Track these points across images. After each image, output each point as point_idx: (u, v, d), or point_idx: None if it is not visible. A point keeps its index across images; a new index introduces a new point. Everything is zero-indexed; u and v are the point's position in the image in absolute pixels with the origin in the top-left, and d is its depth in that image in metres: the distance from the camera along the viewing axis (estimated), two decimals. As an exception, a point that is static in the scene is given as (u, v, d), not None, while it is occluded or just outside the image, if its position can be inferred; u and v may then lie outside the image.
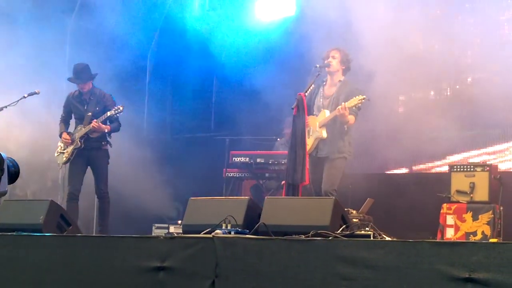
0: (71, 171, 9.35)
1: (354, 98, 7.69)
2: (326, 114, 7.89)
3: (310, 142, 7.83)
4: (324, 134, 7.86)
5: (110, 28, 11.36)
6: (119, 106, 9.24)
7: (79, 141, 9.23)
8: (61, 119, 9.56)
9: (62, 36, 11.64)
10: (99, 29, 11.60)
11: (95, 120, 9.15)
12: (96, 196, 9.50)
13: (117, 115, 9.26)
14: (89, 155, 9.31)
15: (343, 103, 7.67)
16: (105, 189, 9.36)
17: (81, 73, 9.30)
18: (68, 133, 9.37)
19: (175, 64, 12.26)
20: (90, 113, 9.27)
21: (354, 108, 7.75)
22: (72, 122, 9.59)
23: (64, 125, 9.52)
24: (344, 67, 8.04)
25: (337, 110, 7.68)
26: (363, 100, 7.67)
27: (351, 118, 7.78)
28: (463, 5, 9.76)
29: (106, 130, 9.24)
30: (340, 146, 7.86)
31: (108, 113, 9.20)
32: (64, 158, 9.32)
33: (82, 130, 9.25)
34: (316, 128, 7.87)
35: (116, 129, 9.40)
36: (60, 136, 9.42)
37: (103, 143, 9.34)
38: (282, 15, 11.19)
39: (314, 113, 8.00)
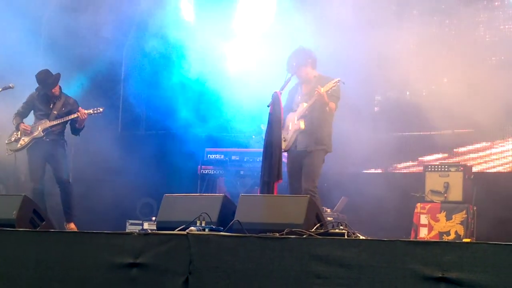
0: (32, 167, 9.28)
1: (329, 83, 7.63)
2: (304, 106, 7.80)
3: (289, 137, 7.78)
4: (302, 125, 7.71)
5: (87, 22, 11.28)
6: (99, 108, 9.32)
7: (42, 132, 9.21)
8: (16, 113, 9.47)
9: (37, 28, 11.54)
10: (75, 23, 11.50)
11: (80, 108, 9.20)
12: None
13: (96, 114, 9.33)
14: (46, 147, 9.26)
15: (318, 86, 7.59)
16: (66, 177, 9.37)
17: (46, 80, 9.24)
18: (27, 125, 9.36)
19: (152, 59, 12.19)
20: (56, 112, 9.27)
21: (333, 94, 7.66)
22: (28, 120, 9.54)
23: (20, 118, 9.44)
24: (309, 64, 7.92)
25: (315, 91, 7.56)
26: (338, 83, 7.61)
27: (331, 103, 7.68)
28: (439, 6, 9.80)
29: (84, 117, 9.22)
30: (319, 138, 7.72)
31: (88, 112, 9.25)
32: (19, 146, 9.28)
33: (48, 123, 9.22)
34: (294, 121, 7.80)
35: (82, 129, 9.43)
36: (17, 127, 9.35)
37: (60, 137, 9.36)
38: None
39: (294, 109, 7.91)
